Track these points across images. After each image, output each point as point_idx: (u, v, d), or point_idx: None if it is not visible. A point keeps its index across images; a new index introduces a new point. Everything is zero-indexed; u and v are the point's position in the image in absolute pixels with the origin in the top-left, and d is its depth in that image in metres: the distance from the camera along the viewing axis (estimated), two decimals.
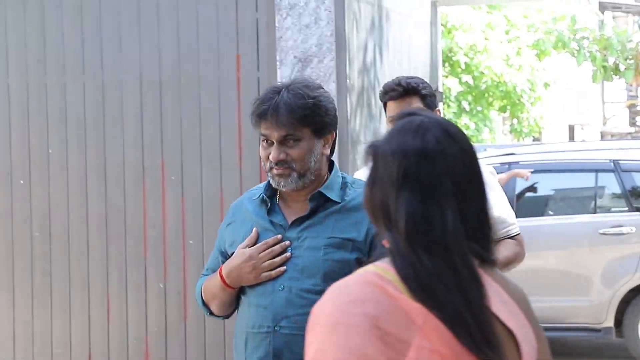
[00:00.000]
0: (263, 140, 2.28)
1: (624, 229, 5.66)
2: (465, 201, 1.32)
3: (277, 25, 3.74)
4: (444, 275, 1.31)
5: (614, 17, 21.30)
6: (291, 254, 2.31)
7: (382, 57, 3.53)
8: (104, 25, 3.70)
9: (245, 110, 3.52)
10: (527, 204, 6.09)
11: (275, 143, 2.24)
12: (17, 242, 3.58)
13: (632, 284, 5.58)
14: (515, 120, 14.30)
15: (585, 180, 6.32)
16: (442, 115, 3.27)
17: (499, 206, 3.17)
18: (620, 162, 5.80)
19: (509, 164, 5.96)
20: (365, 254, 2.29)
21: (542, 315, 5.01)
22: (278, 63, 3.73)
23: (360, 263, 2.19)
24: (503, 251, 3.13)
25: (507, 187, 5.44)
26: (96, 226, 3.64)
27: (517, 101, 13.12)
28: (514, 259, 3.14)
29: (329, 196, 2.30)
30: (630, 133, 21.46)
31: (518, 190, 5.85)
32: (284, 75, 3.69)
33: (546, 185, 6.39)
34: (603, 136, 20.48)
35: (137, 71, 3.70)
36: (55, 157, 3.61)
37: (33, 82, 3.62)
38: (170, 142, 3.72)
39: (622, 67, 10.05)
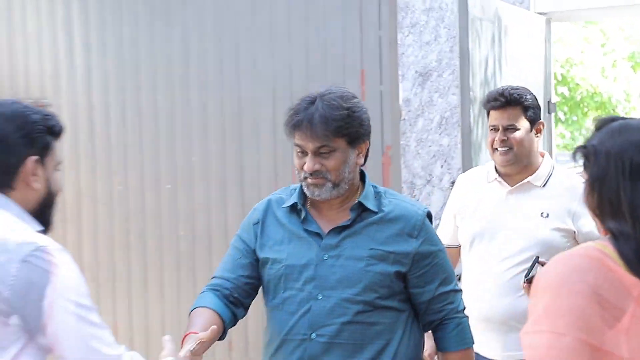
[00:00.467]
0: (298, 151, 2.23)
1: None
2: None
3: (399, 42, 4.04)
4: None
5: None
6: (327, 261, 2.21)
7: (501, 71, 3.82)
8: (240, 47, 4.10)
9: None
10: None
11: (309, 153, 2.19)
12: (165, 240, 3.99)
13: None
14: None
15: None
16: (545, 127, 3.39)
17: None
18: None
19: None
20: (405, 266, 2.24)
21: None
22: (400, 77, 4.05)
23: (399, 276, 2.22)
24: None
25: None
26: (235, 226, 4.02)
27: (612, 111, 13.10)
28: None
29: (368, 206, 2.25)
30: None
31: None
32: (405, 88, 3.98)
33: None
34: None
35: (270, 87, 4.07)
36: (197, 165, 4.01)
37: (179, 98, 4.03)
38: None
39: None
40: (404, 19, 4.48)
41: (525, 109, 3.03)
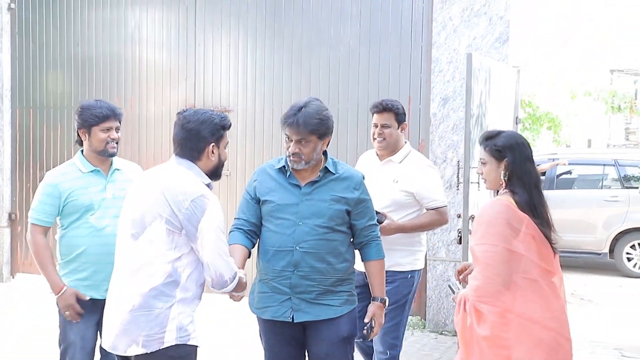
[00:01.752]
0: (286, 138, 2.98)
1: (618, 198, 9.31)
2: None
3: (431, 80, 6.49)
4: (538, 202, 2.65)
5: None
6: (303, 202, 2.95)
7: (489, 97, 6.23)
8: (350, 72, 6.76)
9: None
10: (562, 181, 9.74)
11: (293, 141, 2.92)
12: None
13: (620, 229, 9.26)
14: None
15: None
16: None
17: (431, 187, 3.92)
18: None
19: (554, 158, 9.74)
20: (350, 207, 3.02)
21: (568, 244, 8.64)
22: (431, 100, 6.41)
23: (348, 213, 3.03)
24: (424, 217, 3.92)
25: (550, 171, 8.85)
26: None
27: (558, 125, 16.92)
28: (430, 224, 3.94)
29: (330, 170, 3.00)
30: None
31: (558, 172, 9.45)
32: (433, 107, 6.46)
33: (574, 171, 10.19)
34: None
35: (355, 102, 6.69)
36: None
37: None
38: None
39: None
40: (434, 67, 6.24)
41: (396, 114, 3.87)
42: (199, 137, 2.72)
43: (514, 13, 6.44)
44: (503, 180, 2.83)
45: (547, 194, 3.33)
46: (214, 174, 2.81)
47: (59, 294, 3.37)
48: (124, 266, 2.77)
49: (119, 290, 2.77)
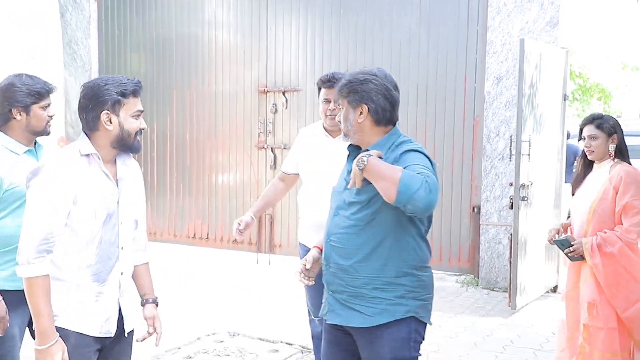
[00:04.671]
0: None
1: None
2: None
3: (486, 61, 7.19)
4: None
5: None
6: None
7: (540, 78, 6.84)
8: (402, 56, 7.45)
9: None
10: None
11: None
12: None
13: None
14: None
15: None
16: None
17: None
18: None
19: None
20: None
21: None
22: (485, 79, 7.05)
23: None
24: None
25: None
26: None
27: (609, 95, 17.47)
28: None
29: None
30: None
31: None
32: (488, 85, 7.10)
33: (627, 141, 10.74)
34: None
35: (414, 83, 7.39)
36: None
37: None
38: None
39: None
40: (489, 49, 6.81)
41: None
42: (91, 104, 2.46)
43: None
44: (612, 152, 3.57)
45: None
46: (122, 145, 2.51)
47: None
48: None
49: None
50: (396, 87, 2.64)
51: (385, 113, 2.57)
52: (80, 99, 2.48)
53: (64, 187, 2.40)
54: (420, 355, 2.64)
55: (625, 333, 3.48)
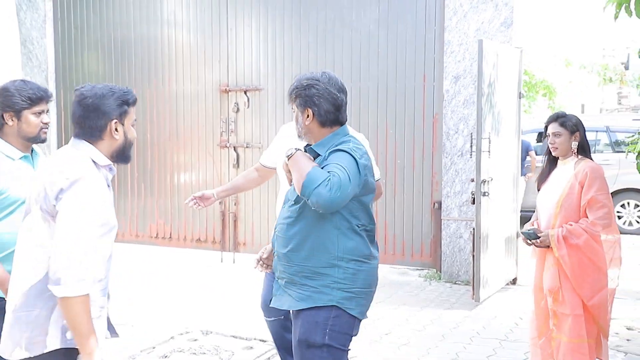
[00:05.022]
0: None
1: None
2: None
3: (444, 60, 7.40)
4: None
5: None
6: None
7: (497, 77, 7.09)
8: (369, 57, 7.60)
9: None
10: None
11: None
12: None
13: (611, 190, 9.69)
14: None
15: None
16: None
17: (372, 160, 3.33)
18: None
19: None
20: None
21: None
22: (444, 78, 7.30)
23: None
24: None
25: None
26: None
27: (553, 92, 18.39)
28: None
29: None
30: None
31: None
32: (446, 84, 7.32)
33: None
34: None
35: (375, 83, 7.56)
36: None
37: None
38: None
39: None
40: (446, 48, 7.00)
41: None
42: (98, 113, 2.38)
43: None
44: (575, 149, 3.77)
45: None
46: (122, 155, 2.48)
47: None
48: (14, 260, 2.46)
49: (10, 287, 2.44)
50: (341, 90, 2.77)
51: (329, 115, 2.74)
52: (82, 106, 2.38)
53: (104, 201, 2.34)
54: (347, 349, 2.78)
55: (591, 320, 3.68)
